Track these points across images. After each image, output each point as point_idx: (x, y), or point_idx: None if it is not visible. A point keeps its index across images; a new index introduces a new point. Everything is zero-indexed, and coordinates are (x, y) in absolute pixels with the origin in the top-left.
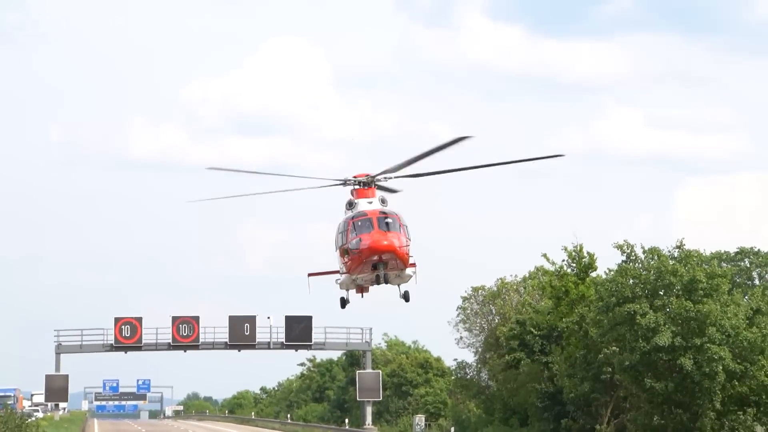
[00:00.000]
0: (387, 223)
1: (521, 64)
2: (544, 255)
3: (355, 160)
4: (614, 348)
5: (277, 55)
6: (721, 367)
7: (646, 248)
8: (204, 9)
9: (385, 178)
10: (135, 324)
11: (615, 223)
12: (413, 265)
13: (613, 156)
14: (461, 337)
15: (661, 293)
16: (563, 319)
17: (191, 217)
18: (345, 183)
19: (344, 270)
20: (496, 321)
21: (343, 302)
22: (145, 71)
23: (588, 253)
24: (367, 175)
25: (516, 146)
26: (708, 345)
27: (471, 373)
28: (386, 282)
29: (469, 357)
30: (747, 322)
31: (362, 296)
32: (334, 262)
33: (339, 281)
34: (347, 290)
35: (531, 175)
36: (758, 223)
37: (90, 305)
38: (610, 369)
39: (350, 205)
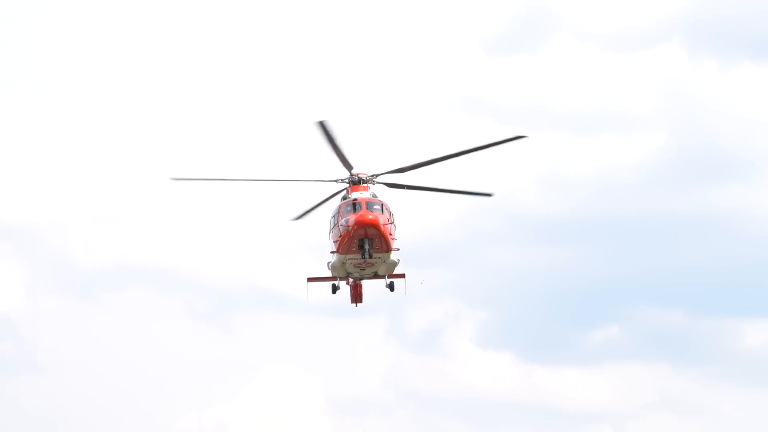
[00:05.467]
0: (374, 207)
1: (513, 392)
2: None
3: None
4: None
5: (274, 383)
6: None
7: None
8: (206, 343)
9: (377, 182)
10: None
11: None
12: (397, 249)
13: None
14: None
15: None
16: None
17: None
18: (343, 180)
19: (334, 250)
20: None
21: (334, 288)
22: (138, 401)
23: None
24: (366, 174)
25: None
26: None
27: None
28: (371, 257)
29: None
30: None
31: (356, 306)
32: None
33: (330, 264)
34: (338, 276)
35: None
36: None
37: None
38: None
39: (344, 198)
